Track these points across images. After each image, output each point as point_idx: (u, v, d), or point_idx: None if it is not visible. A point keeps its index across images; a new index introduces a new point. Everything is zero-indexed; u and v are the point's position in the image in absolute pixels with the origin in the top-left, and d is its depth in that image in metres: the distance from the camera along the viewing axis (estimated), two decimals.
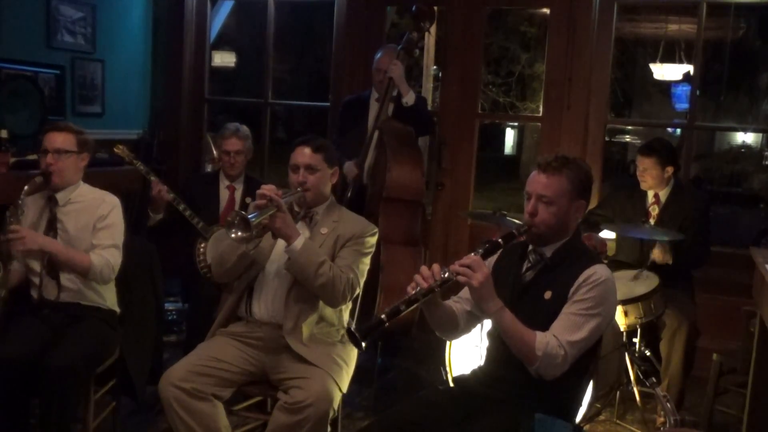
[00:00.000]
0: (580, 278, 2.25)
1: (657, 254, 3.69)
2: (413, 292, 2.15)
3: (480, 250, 2.25)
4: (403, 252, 3.94)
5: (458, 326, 2.44)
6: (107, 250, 3.01)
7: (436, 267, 2.20)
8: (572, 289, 2.25)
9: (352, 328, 2.10)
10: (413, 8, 4.18)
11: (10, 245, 2.85)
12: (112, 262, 3.02)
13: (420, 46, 4.28)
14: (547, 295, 2.29)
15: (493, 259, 2.46)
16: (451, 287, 2.22)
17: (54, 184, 3.02)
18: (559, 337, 2.19)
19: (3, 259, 2.89)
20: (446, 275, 2.17)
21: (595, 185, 4.74)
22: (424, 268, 2.20)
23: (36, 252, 2.94)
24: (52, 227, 3.03)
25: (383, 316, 2.10)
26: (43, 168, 3.00)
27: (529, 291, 2.34)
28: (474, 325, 2.52)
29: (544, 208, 2.28)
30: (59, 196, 3.05)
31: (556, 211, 2.28)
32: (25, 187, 3.00)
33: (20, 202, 2.97)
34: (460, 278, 2.16)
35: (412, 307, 2.14)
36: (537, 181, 2.30)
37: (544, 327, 2.24)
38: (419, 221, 4.13)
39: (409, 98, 4.07)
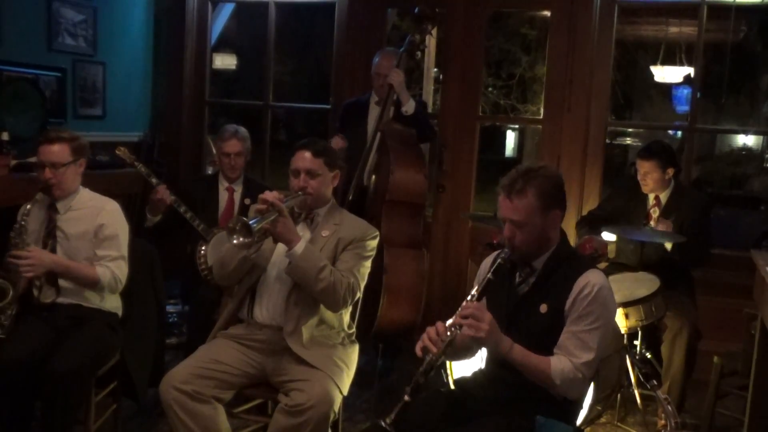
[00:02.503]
0: (574, 290, 2.24)
1: (662, 226, 3.68)
2: (426, 359, 2.14)
3: (474, 294, 2.26)
4: (407, 254, 3.95)
5: (472, 351, 2.47)
6: (114, 263, 3.02)
7: (440, 327, 2.19)
8: (568, 302, 2.25)
9: (383, 424, 2.07)
10: (416, 10, 4.18)
11: (19, 271, 2.85)
12: (119, 274, 3.03)
13: (422, 49, 4.28)
14: (543, 308, 2.29)
15: (484, 272, 2.46)
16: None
17: (56, 196, 3.03)
18: (573, 360, 2.20)
19: (12, 278, 2.90)
20: (452, 332, 2.16)
21: (595, 188, 4.78)
22: (430, 331, 2.20)
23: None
24: (51, 235, 3.03)
25: (406, 396, 2.10)
26: (43, 182, 3.00)
27: (524, 305, 2.34)
28: None
29: (520, 231, 2.27)
30: (59, 204, 3.06)
31: (532, 231, 2.27)
32: (27, 206, 3.01)
33: (23, 222, 2.98)
34: (467, 332, 2.16)
35: (430, 374, 2.14)
36: (505, 207, 2.28)
37: (543, 340, 2.25)
38: (421, 223, 4.13)
39: (408, 107, 4.07)
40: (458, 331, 2.16)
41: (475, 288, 2.31)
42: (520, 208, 2.25)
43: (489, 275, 2.28)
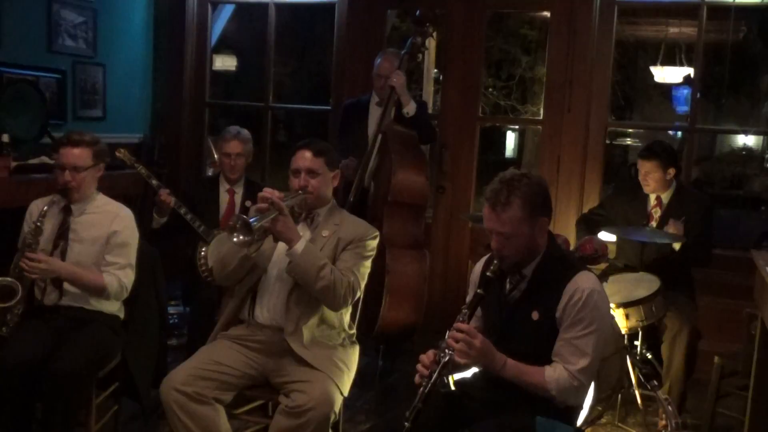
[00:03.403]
0: (564, 296, 2.24)
1: (672, 228, 3.69)
2: (422, 385, 2.17)
3: (466, 311, 2.26)
4: (409, 255, 3.95)
5: (468, 367, 2.45)
6: (122, 271, 3.03)
7: (431, 355, 2.22)
8: (559, 308, 2.25)
9: None
10: (417, 13, 4.19)
11: (27, 272, 2.85)
12: (126, 282, 3.04)
13: (423, 51, 4.29)
14: (535, 315, 2.29)
15: (476, 277, 2.47)
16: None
17: (73, 199, 3.04)
18: (569, 367, 2.21)
19: (22, 278, 2.90)
20: (445, 354, 2.18)
21: (595, 188, 4.78)
22: (423, 359, 2.23)
23: None
24: (63, 237, 3.03)
25: (407, 423, 2.12)
26: (62, 185, 3.00)
27: (516, 312, 2.34)
28: None
29: (508, 242, 2.26)
30: (74, 207, 3.07)
31: (520, 240, 2.26)
32: (44, 208, 3.01)
33: (39, 224, 2.98)
34: (458, 357, 2.17)
35: (427, 399, 2.16)
36: (491, 219, 2.27)
37: (537, 348, 2.26)
38: (423, 225, 4.13)
39: (409, 109, 4.07)
40: (451, 353, 2.17)
41: (466, 303, 2.32)
42: (507, 220, 2.24)
43: (479, 290, 2.28)
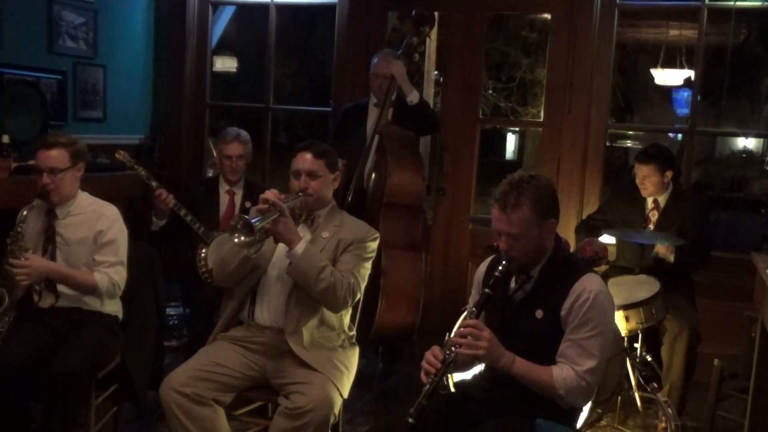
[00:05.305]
0: (570, 296, 2.24)
1: (660, 249, 3.71)
2: (427, 381, 2.16)
3: (474, 309, 2.26)
4: (404, 257, 3.94)
5: (473, 365, 2.48)
6: (112, 268, 3.00)
7: (436, 350, 2.21)
8: (564, 308, 2.25)
9: None
10: (413, 13, 4.19)
11: (15, 279, 2.83)
12: (117, 279, 3.01)
13: (419, 51, 4.28)
14: (539, 314, 2.29)
15: (480, 277, 2.47)
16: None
17: (54, 202, 3.01)
18: (576, 368, 2.20)
19: (9, 285, 2.88)
20: (451, 351, 2.17)
21: (595, 190, 4.79)
22: (428, 355, 2.21)
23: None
24: (51, 240, 3.02)
25: (411, 419, 2.10)
26: (40, 188, 2.96)
27: (520, 311, 2.34)
28: None
29: (517, 243, 2.26)
30: (58, 210, 3.03)
31: (529, 242, 2.26)
32: (24, 212, 2.98)
33: (20, 229, 2.96)
34: (466, 351, 2.17)
35: (431, 396, 2.15)
36: (500, 220, 2.27)
37: (539, 346, 2.26)
38: (420, 226, 4.13)
39: (413, 97, 4.05)
40: (458, 349, 2.17)
41: (473, 303, 2.32)
42: (516, 221, 2.24)
43: (487, 290, 2.28)
